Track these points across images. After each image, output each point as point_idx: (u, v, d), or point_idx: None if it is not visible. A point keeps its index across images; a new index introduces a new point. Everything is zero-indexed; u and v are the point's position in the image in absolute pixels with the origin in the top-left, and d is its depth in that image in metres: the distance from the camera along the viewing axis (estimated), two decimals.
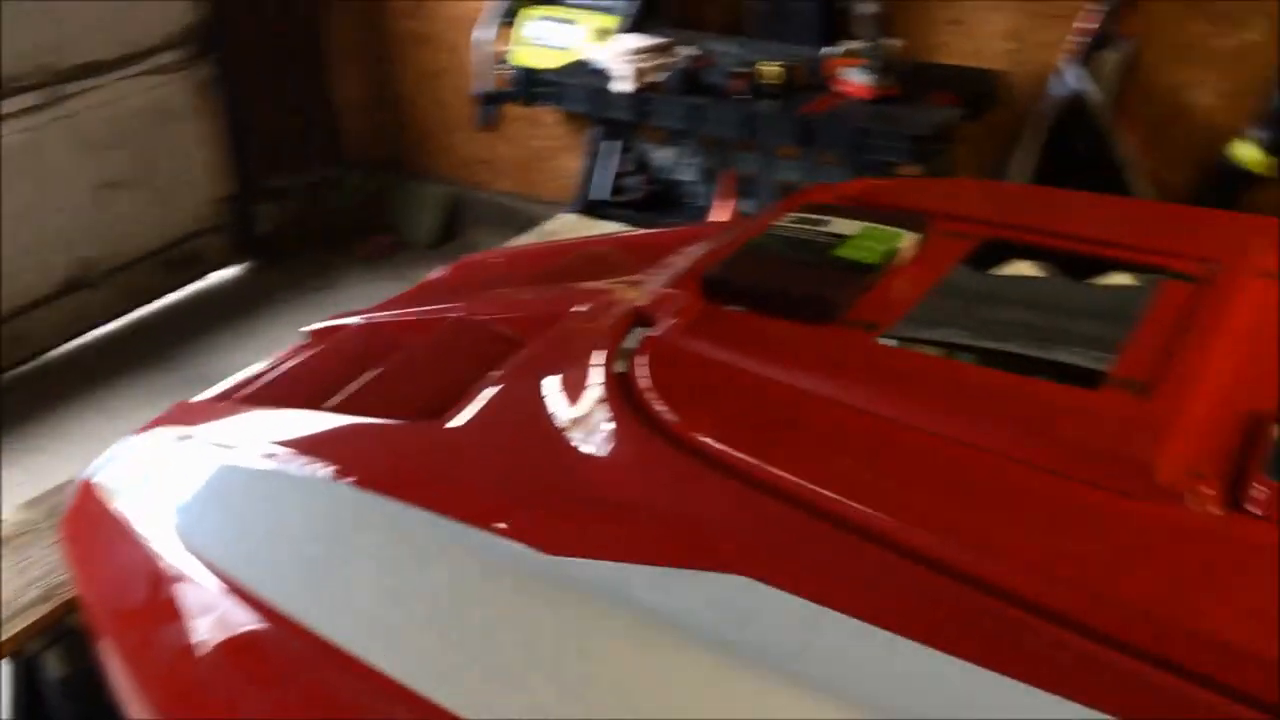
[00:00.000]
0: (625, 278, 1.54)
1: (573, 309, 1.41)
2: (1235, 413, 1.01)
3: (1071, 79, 3.64)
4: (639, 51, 3.67)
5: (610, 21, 4.21)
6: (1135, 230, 1.33)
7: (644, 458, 1.08)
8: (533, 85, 3.94)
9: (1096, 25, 3.68)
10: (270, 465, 1.29)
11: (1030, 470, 0.96)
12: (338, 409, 1.41)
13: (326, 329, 1.77)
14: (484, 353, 1.49)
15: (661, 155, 3.98)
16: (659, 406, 1.10)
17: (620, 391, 1.13)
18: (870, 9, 3.35)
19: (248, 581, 1.20)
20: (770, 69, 3.46)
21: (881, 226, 1.30)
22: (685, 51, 3.74)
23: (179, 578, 1.27)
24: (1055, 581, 0.85)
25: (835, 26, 4.08)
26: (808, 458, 1.01)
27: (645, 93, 3.57)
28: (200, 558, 1.27)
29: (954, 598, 0.87)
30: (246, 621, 1.19)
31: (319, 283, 4.93)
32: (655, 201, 4.07)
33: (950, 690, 0.82)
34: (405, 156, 5.34)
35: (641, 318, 1.25)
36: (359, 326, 1.70)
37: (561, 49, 4.16)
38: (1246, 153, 3.55)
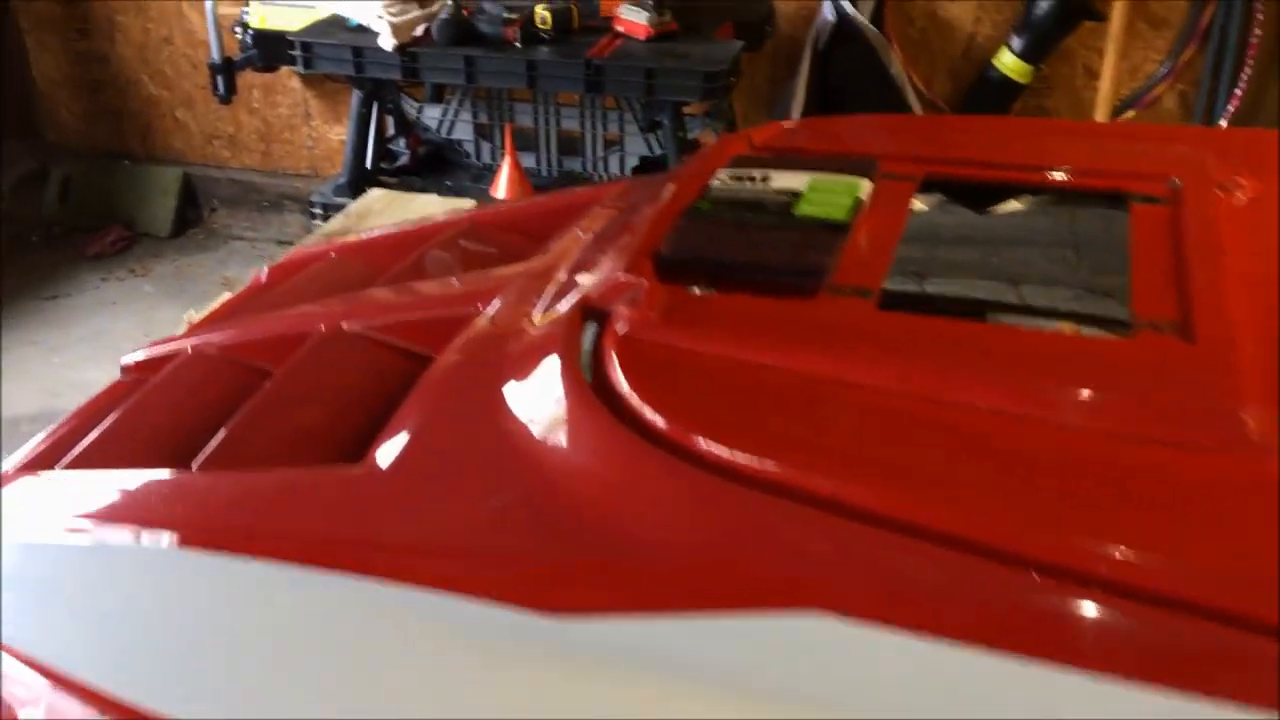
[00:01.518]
0: (525, 263, 1.35)
1: (489, 308, 1.21)
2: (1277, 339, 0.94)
3: (836, 1, 3.63)
4: (396, 2, 3.38)
5: None
6: (1075, 153, 1.27)
7: (653, 480, 0.91)
8: (276, 49, 3.58)
9: None
10: (127, 540, 1.05)
11: (1103, 439, 0.86)
12: (212, 463, 1.16)
13: (148, 361, 1.48)
14: (378, 371, 1.27)
15: (429, 114, 3.72)
16: (656, 416, 0.93)
17: (603, 402, 0.96)
18: None
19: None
20: (545, 12, 3.26)
21: (831, 176, 1.17)
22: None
23: None
24: (1182, 572, 0.75)
25: None
26: (851, 457, 0.88)
27: (410, 48, 3.29)
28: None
29: (1066, 604, 0.75)
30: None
31: (49, 290, 4.39)
32: (428, 164, 3.81)
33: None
34: (127, 138, 4.81)
35: (591, 312, 1.07)
36: (191, 356, 1.43)
37: (306, 6, 3.80)
38: (1008, 62, 3.65)
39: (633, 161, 3.59)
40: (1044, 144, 1.31)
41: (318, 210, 3.57)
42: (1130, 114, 3.71)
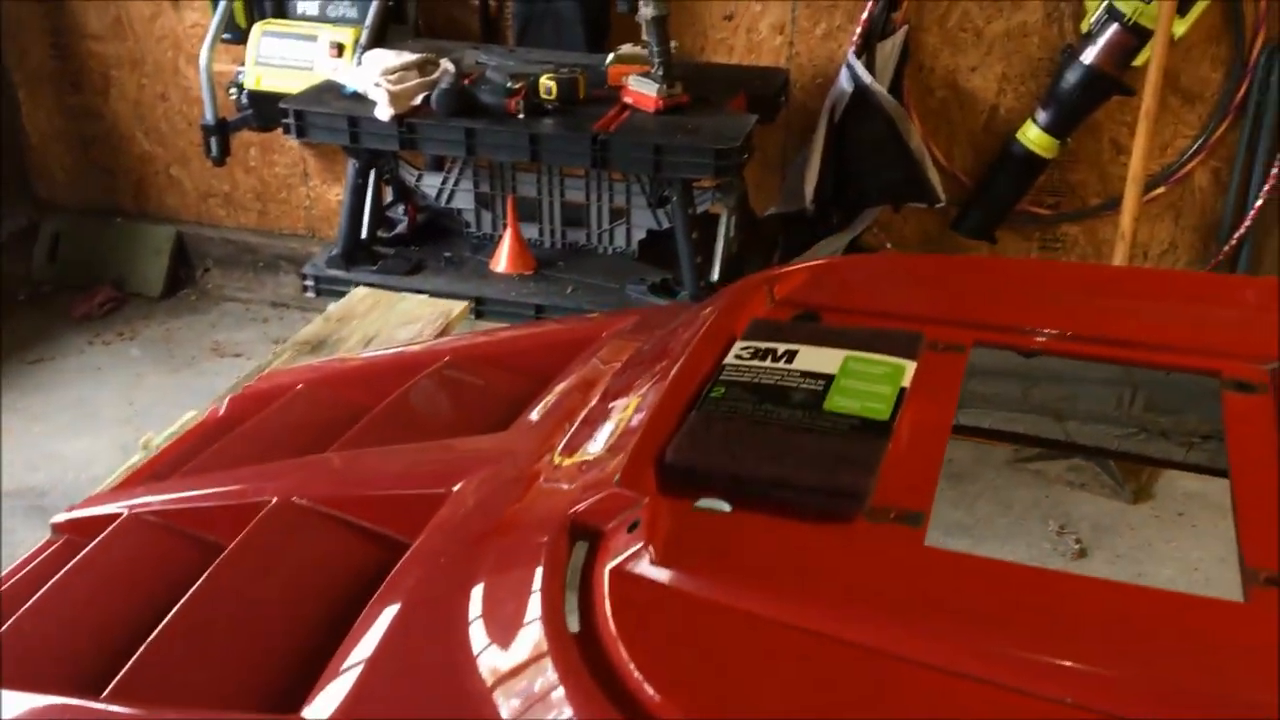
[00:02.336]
0: (505, 435, 1.17)
1: (461, 497, 1.04)
2: None
3: (854, 70, 3.48)
4: (394, 70, 3.23)
5: (350, 34, 3.75)
6: (1146, 321, 1.09)
7: None
8: (272, 109, 3.44)
9: (871, 15, 3.53)
10: None
11: None
12: (122, 693, 0.98)
13: (82, 522, 1.30)
14: (331, 564, 1.09)
15: (429, 182, 3.56)
16: (650, 691, 0.75)
17: (588, 662, 0.78)
18: (652, 12, 3.05)
19: None
20: (550, 82, 3.11)
21: (869, 356, 1.00)
22: (447, 67, 3.33)
23: None
24: None
25: (605, 31, 3.80)
26: None
27: (408, 118, 3.14)
28: None
29: None
30: None
31: (34, 353, 4.23)
32: (426, 232, 3.65)
33: None
34: (119, 195, 4.66)
35: (580, 530, 0.90)
36: (128, 523, 1.25)
37: (303, 68, 3.66)
38: (1033, 136, 3.50)
39: (639, 234, 3.44)
40: (1108, 305, 1.14)
41: (309, 283, 3.41)
42: (1160, 190, 3.55)
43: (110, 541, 1.22)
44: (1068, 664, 0.74)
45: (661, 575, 0.82)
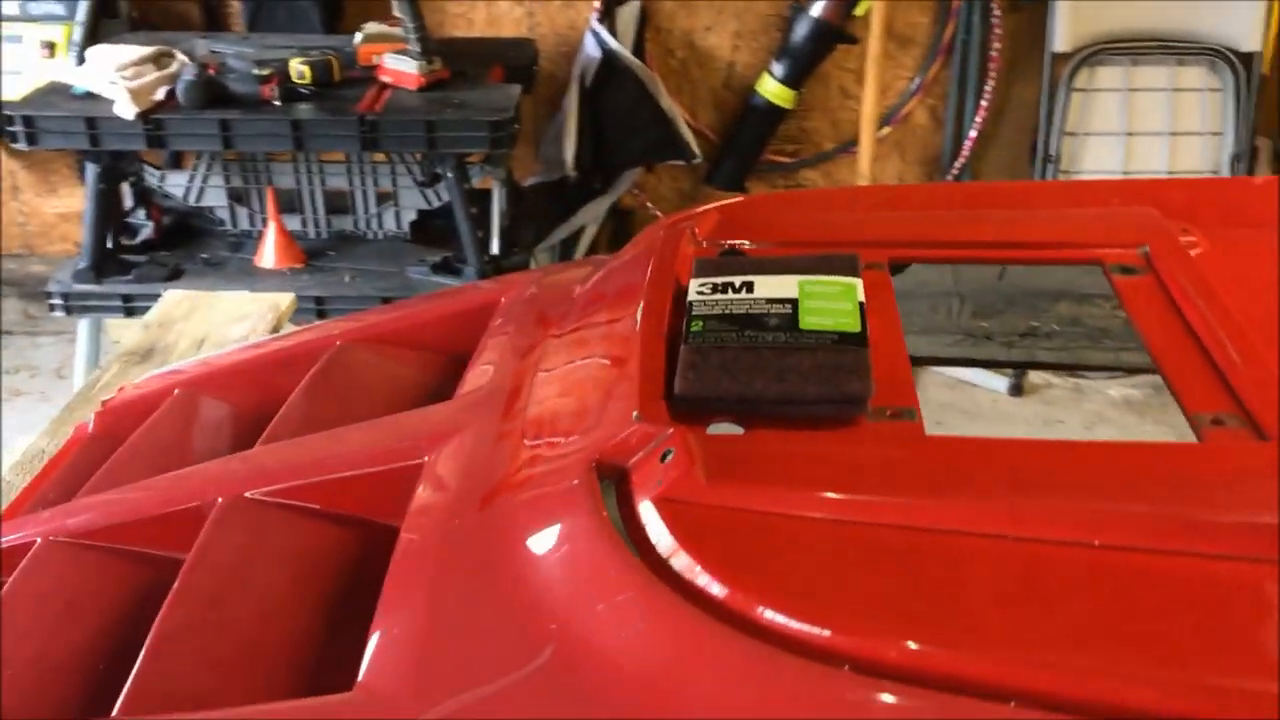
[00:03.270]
0: (460, 398, 1.18)
1: (441, 459, 1.04)
2: None
3: (599, 37, 3.57)
4: (128, 65, 3.03)
5: (61, 31, 3.48)
6: (1034, 224, 1.23)
7: (735, 665, 0.79)
8: None
9: None
10: None
11: (1222, 564, 0.80)
12: (137, 704, 0.93)
13: None
14: (315, 549, 1.07)
15: (173, 181, 3.37)
16: (726, 591, 0.80)
17: (665, 583, 0.82)
18: None
19: None
20: (303, 66, 3.01)
21: (821, 278, 1.08)
22: (185, 58, 3.16)
23: None
24: None
25: (339, 12, 3.71)
26: (976, 626, 0.78)
27: (153, 114, 2.96)
28: None
29: None
30: None
31: None
32: (175, 235, 3.46)
33: None
34: None
35: (606, 468, 0.93)
36: (47, 549, 1.16)
37: (10, 73, 3.37)
38: (771, 89, 3.70)
39: (409, 215, 3.39)
40: (999, 216, 1.27)
41: (57, 302, 3.16)
42: (886, 129, 3.85)
43: (34, 569, 1.13)
44: (1081, 508, 0.84)
45: (713, 495, 0.87)
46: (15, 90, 3.23)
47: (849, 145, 3.90)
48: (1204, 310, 1.06)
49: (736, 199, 1.36)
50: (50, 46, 3.43)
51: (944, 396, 3.78)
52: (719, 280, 1.09)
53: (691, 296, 1.08)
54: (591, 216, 3.84)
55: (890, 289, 1.13)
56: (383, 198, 3.38)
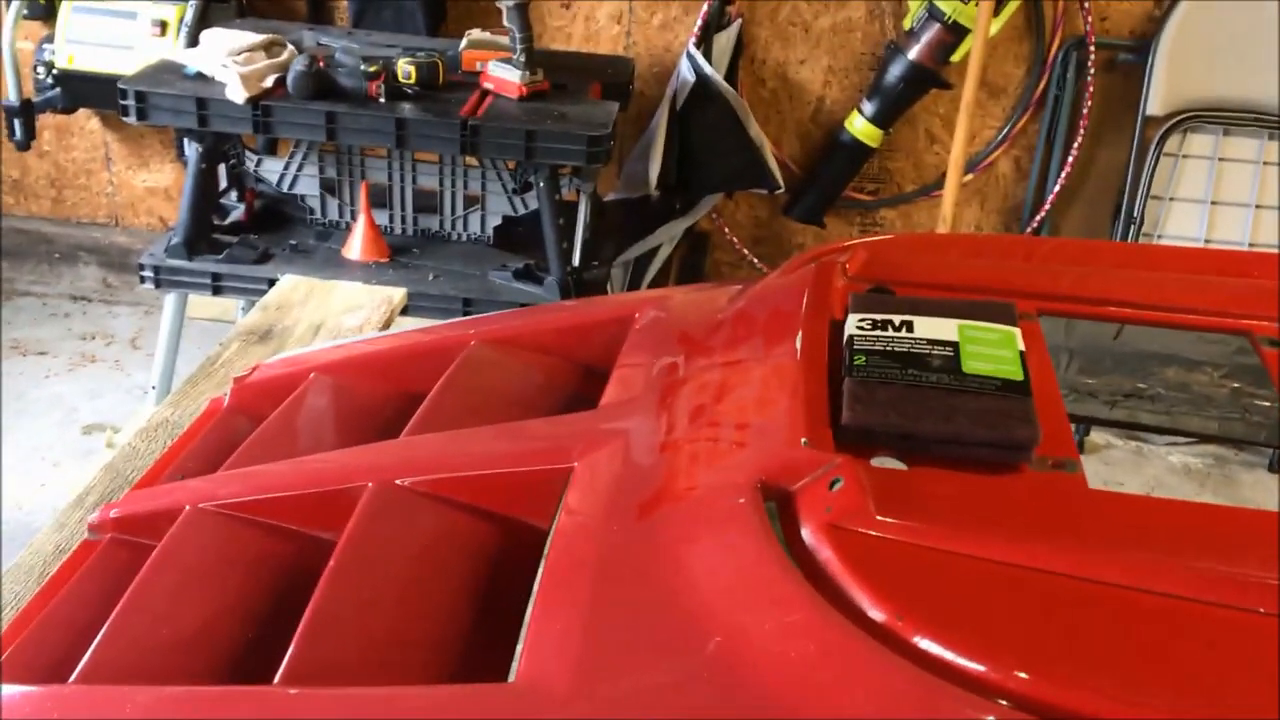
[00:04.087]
0: (611, 407, 1.21)
1: (592, 466, 1.07)
2: None
3: (695, 61, 3.62)
4: (241, 51, 3.10)
5: (174, 11, 3.57)
6: (1189, 290, 1.25)
7: (897, 689, 0.81)
8: (84, 90, 3.24)
9: (709, 7, 3.68)
10: None
11: None
12: (295, 676, 0.96)
13: (126, 519, 1.24)
14: (465, 542, 1.10)
15: (269, 167, 3.43)
16: (890, 619, 0.83)
17: (832, 606, 0.85)
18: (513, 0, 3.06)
19: None
20: (410, 66, 3.07)
21: (981, 324, 1.10)
22: (295, 48, 3.23)
23: None
24: None
25: (442, 15, 3.78)
26: (1132, 676, 0.81)
27: (263, 100, 3.02)
28: None
29: None
30: None
31: None
32: (265, 219, 3.52)
33: None
34: None
35: (771, 490, 0.96)
36: (196, 516, 1.20)
37: (122, 47, 3.46)
38: (859, 126, 3.73)
39: (495, 221, 3.44)
40: (1149, 278, 1.29)
41: (148, 275, 3.23)
42: (969, 176, 3.87)
43: (185, 536, 1.16)
44: (1232, 572, 0.87)
45: (882, 527, 0.90)
46: (126, 65, 3.31)
47: (929, 189, 3.92)
48: None
49: (884, 237, 1.39)
50: (162, 25, 3.51)
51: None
52: (878, 317, 1.12)
53: (851, 330, 1.11)
54: (668, 236, 3.88)
55: (1042, 340, 1.16)
56: (470, 201, 3.44)
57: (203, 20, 3.54)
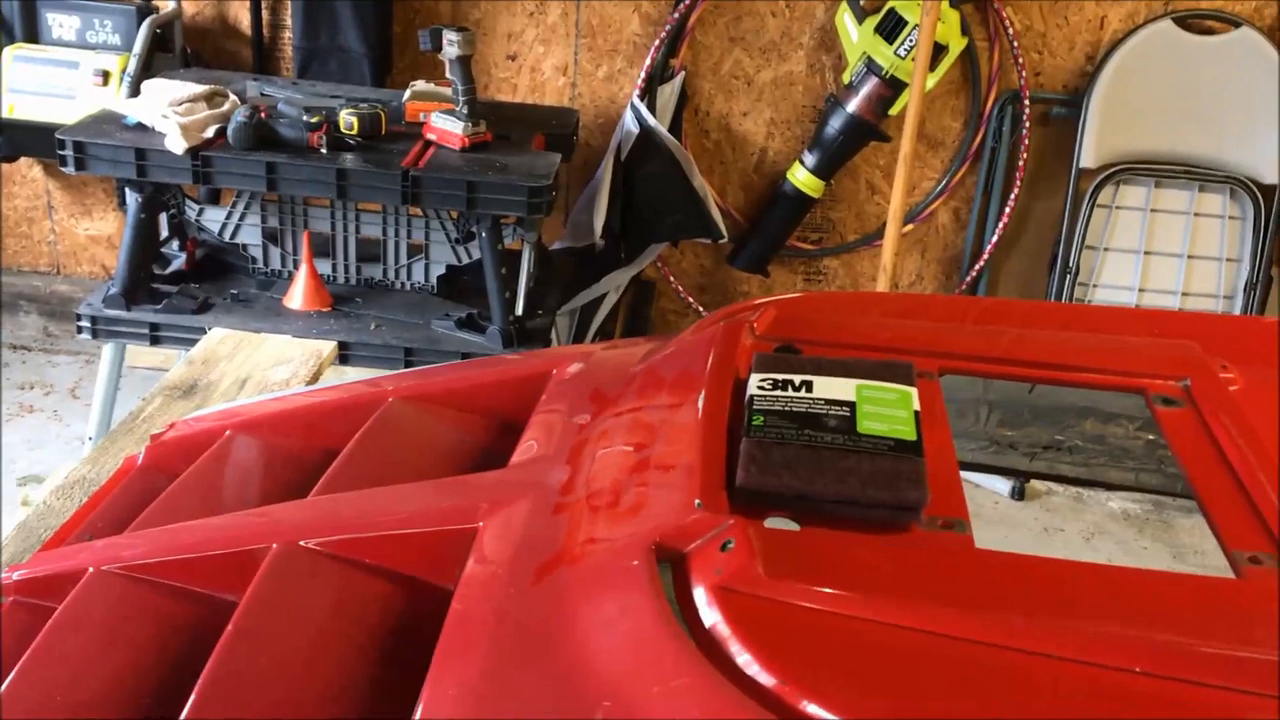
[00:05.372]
0: (517, 467, 1.21)
1: (496, 526, 1.07)
2: None
3: (639, 112, 3.66)
4: (182, 101, 3.10)
5: (116, 61, 3.57)
6: (1082, 348, 1.28)
7: None
8: (26, 140, 3.23)
9: (653, 59, 3.73)
10: None
11: (1267, 702, 0.84)
12: None
13: (35, 581, 1.22)
14: (369, 605, 1.10)
15: (211, 216, 3.42)
16: (777, 684, 0.84)
17: (718, 669, 0.85)
18: (457, 51, 3.09)
19: None
20: (352, 117, 3.09)
21: (878, 385, 1.12)
22: (236, 98, 3.24)
23: None
24: None
25: (388, 66, 3.80)
26: None
27: (203, 151, 3.02)
28: None
29: None
30: None
31: None
32: (206, 269, 3.51)
33: None
34: None
35: (664, 552, 0.97)
36: (99, 578, 1.19)
37: (63, 97, 3.45)
38: (801, 177, 3.78)
39: (438, 270, 3.45)
40: (1049, 338, 1.32)
41: (85, 325, 3.20)
42: (910, 226, 3.92)
43: (87, 597, 1.15)
44: (1124, 635, 0.88)
45: (771, 589, 0.91)
46: (68, 114, 3.30)
47: (870, 239, 3.98)
48: (1243, 447, 1.10)
49: (791, 296, 1.41)
50: (104, 75, 3.51)
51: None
52: (779, 377, 1.14)
53: (752, 390, 1.12)
54: (613, 285, 3.91)
55: (941, 399, 1.18)
56: (414, 250, 3.44)
57: (145, 70, 3.54)
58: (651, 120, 3.65)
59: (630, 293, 4.06)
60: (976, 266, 3.88)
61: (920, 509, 0.99)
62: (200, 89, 3.19)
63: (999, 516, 3.71)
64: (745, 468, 1.01)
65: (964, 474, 3.17)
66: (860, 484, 0.99)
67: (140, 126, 3.10)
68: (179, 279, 3.44)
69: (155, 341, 3.23)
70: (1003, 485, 3.75)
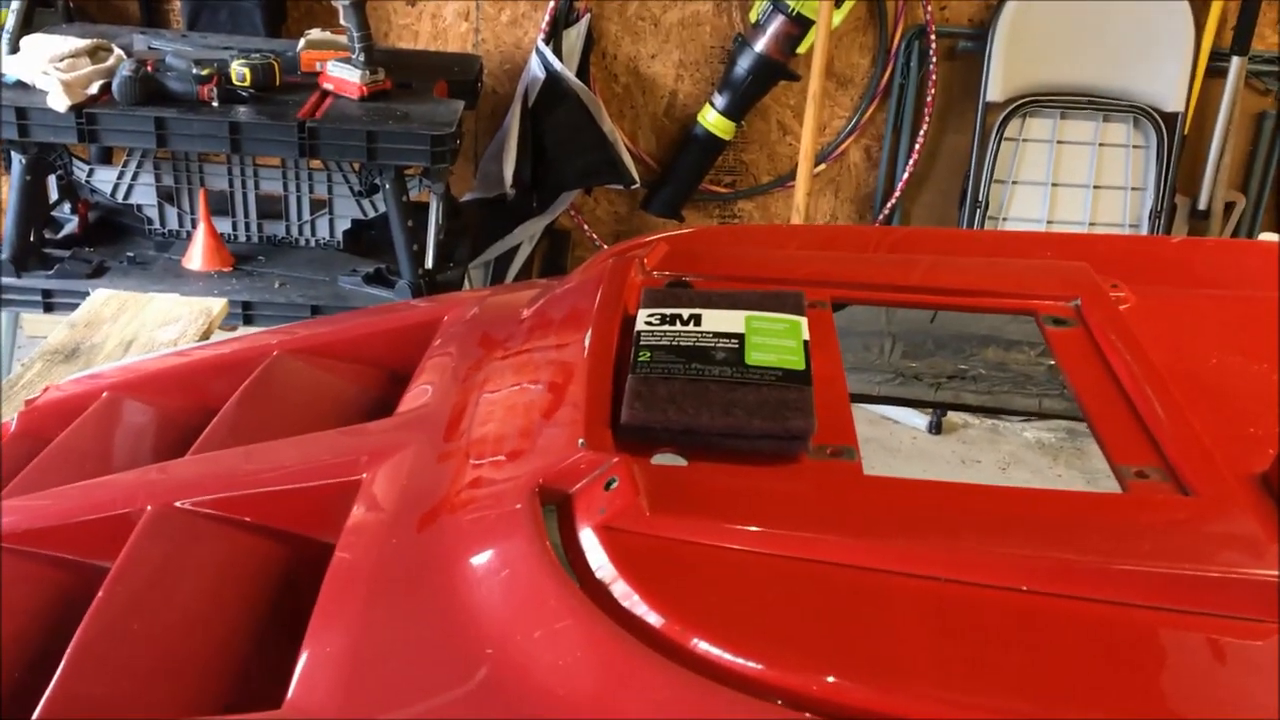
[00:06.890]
0: (401, 415, 1.17)
1: (380, 476, 1.04)
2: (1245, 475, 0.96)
3: (544, 57, 3.59)
4: (64, 57, 2.97)
5: None
6: (974, 271, 1.27)
7: (662, 694, 0.80)
8: None
9: (557, 2, 3.65)
10: None
11: (1140, 614, 0.84)
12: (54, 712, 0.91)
13: None
14: (248, 564, 1.06)
15: (102, 176, 3.30)
16: (663, 622, 0.82)
17: (603, 610, 0.83)
18: None
19: None
20: (244, 68, 2.98)
21: (767, 315, 1.10)
22: (122, 53, 3.11)
23: None
24: None
25: (281, 15, 3.68)
26: (904, 665, 0.81)
27: (87, 108, 2.90)
28: None
29: None
30: None
31: None
32: (100, 232, 3.39)
33: None
34: None
35: (549, 494, 0.94)
36: None
37: None
38: (712, 120, 3.75)
39: (344, 224, 3.36)
40: (940, 263, 1.30)
41: None
42: (822, 166, 3.91)
43: None
44: (1010, 554, 0.87)
45: (655, 526, 0.88)
46: None
47: (784, 180, 3.96)
48: (1131, 365, 1.10)
49: (685, 231, 1.38)
50: None
51: (865, 432, 3.81)
52: (667, 311, 1.11)
53: (640, 326, 1.09)
54: (527, 235, 3.85)
55: (833, 328, 1.16)
56: (317, 205, 3.35)
57: (26, 26, 3.38)
58: (558, 65, 3.58)
59: (545, 243, 4.00)
60: (889, 204, 3.89)
61: (808, 438, 0.97)
62: (83, 43, 3.06)
63: (917, 451, 3.74)
64: (630, 404, 0.99)
65: (881, 409, 3.21)
66: (746, 415, 0.97)
67: (20, 84, 2.97)
68: (72, 243, 3.32)
69: (49, 309, 3.11)
70: (920, 420, 3.78)
